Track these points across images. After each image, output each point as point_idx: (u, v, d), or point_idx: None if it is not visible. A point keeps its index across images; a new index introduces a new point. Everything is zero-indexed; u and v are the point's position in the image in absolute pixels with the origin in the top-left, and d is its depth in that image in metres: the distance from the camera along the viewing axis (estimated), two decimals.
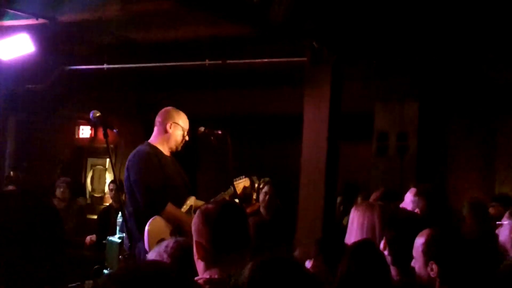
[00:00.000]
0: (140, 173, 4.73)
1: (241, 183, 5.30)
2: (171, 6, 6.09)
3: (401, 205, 4.42)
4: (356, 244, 3.31)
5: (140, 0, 6.34)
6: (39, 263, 1.73)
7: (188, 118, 5.09)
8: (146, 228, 4.53)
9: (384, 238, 3.44)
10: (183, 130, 4.99)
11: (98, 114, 4.27)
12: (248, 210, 7.05)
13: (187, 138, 5.02)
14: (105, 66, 8.71)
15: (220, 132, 5.09)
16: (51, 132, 11.25)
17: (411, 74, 8.07)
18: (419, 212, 4.26)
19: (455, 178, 8.45)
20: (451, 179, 8.43)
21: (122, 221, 5.01)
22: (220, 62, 8.06)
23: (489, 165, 8.48)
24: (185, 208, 4.86)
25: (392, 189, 5.97)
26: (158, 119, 5.03)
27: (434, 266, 3.14)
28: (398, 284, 3.31)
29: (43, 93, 9.73)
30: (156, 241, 4.33)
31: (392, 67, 7.95)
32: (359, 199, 6.88)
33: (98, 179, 11.18)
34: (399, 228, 3.42)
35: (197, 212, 2.84)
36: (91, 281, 4.99)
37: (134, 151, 4.90)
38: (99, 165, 11.18)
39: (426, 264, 3.17)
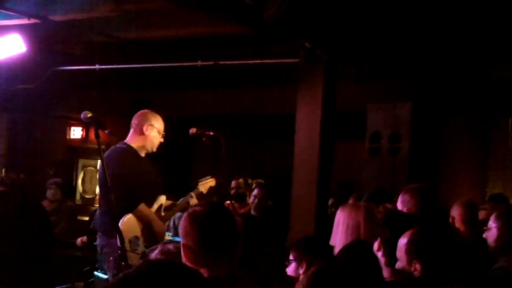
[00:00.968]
0: (120, 168, 4.82)
1: (208, 183, 5.43)
2: (163, 6, 6.08)
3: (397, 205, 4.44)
4: (349, 245, 3.29)
5: (132, 0, 6.32)
6: (26, 263, 1.71)
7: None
8: (119, 226, 4.57)
9: (379, 238, 3.43)
10: (159, 132, 5.15)
11: (89, 115, 4.27)
12: (241, 210, 7.05)
13: (162, 140, 5.17)
14: (97, 66, 8.69)
15: (212, 133, 5.23)
16: (43, 132, 11.20)
17: (404, 75, 8.08)
18: (407, 211, 4.27)
19: (448, 179, 8.45)
20: (443, 180, 8.43)
21: (97, 220, 5.09)
22: (212, 62, 8.04)
23: (482, 166, 8.48)
24: (155, 207, 5.01)
25: (383, 189, 5.97)
26: (134, 121, 5.18)
27: (418, 266, 3.13)
28: (391, 285, 3.29)
29: (34, 93, 9.69)
30: (128, 239, 4.62)
31: (385, 68, 7.96)
32: (350, 201, 6.86)
33: (90, 180, 11.11)
34: (395, 229, 3.40)
35: (184, 214, 2.85)
36: (81, 283, 4.97)
37: (111, 148, 5.03)
38: (90, 166, 11.11)
39: (410, 263, 3.15)
